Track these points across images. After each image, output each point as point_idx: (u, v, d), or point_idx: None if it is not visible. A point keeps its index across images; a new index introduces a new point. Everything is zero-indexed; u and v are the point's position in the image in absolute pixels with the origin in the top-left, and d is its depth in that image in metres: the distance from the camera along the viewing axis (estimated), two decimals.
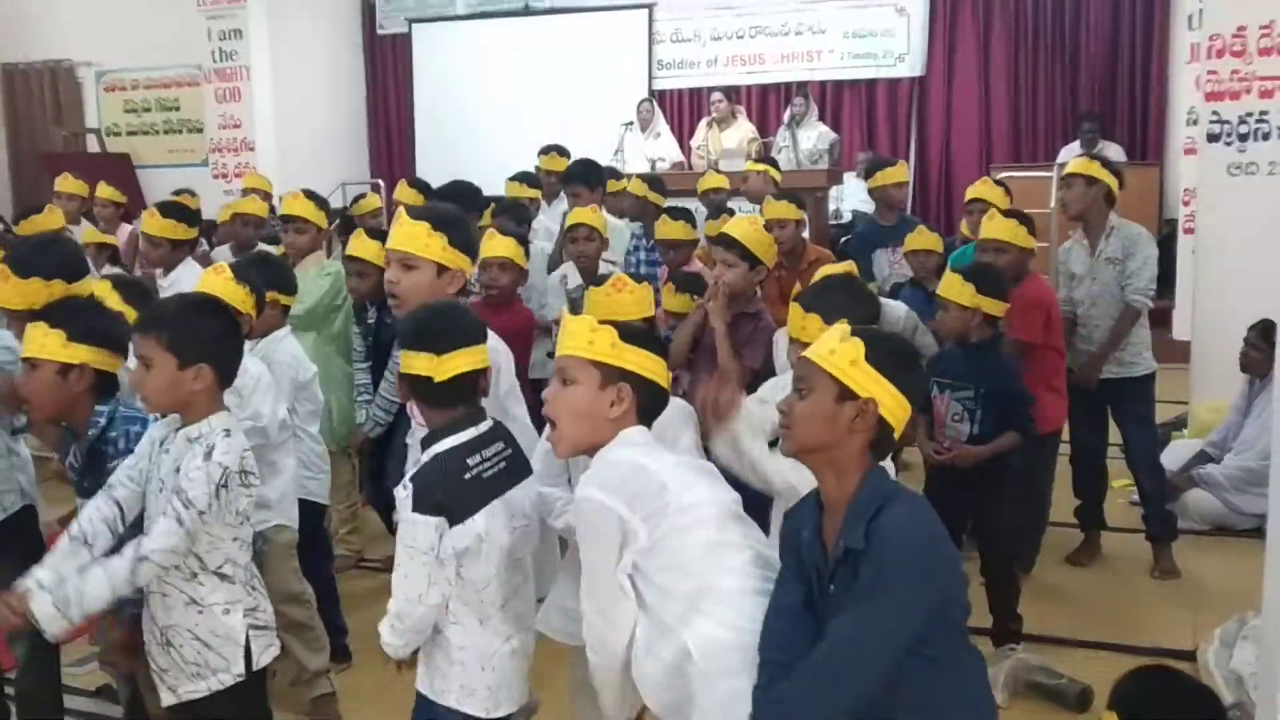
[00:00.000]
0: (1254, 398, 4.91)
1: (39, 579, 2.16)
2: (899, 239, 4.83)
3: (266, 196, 6.11)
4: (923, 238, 4.65)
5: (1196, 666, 3.47)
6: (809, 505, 1.90)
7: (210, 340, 2.27)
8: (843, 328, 1.84)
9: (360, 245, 3.81)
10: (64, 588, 2.13)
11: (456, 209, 2.93)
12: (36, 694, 2.98)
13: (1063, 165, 8.34)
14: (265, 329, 3.24)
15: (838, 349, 1.81)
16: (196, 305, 2.39)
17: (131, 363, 2.42)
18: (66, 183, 6.50)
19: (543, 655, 2.90)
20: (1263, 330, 4.73)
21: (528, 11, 11.36)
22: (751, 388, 3.26)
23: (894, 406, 1.80)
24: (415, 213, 2.65)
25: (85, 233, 6.12)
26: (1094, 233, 4.29)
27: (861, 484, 1.80)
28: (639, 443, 2.02)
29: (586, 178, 5.26)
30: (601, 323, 2.04)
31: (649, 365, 2.03)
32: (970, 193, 4.84)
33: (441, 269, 2.60)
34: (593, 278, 3.91)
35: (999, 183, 4.95)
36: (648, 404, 2.04)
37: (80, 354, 2.42)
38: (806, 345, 2.47)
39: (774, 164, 6.08)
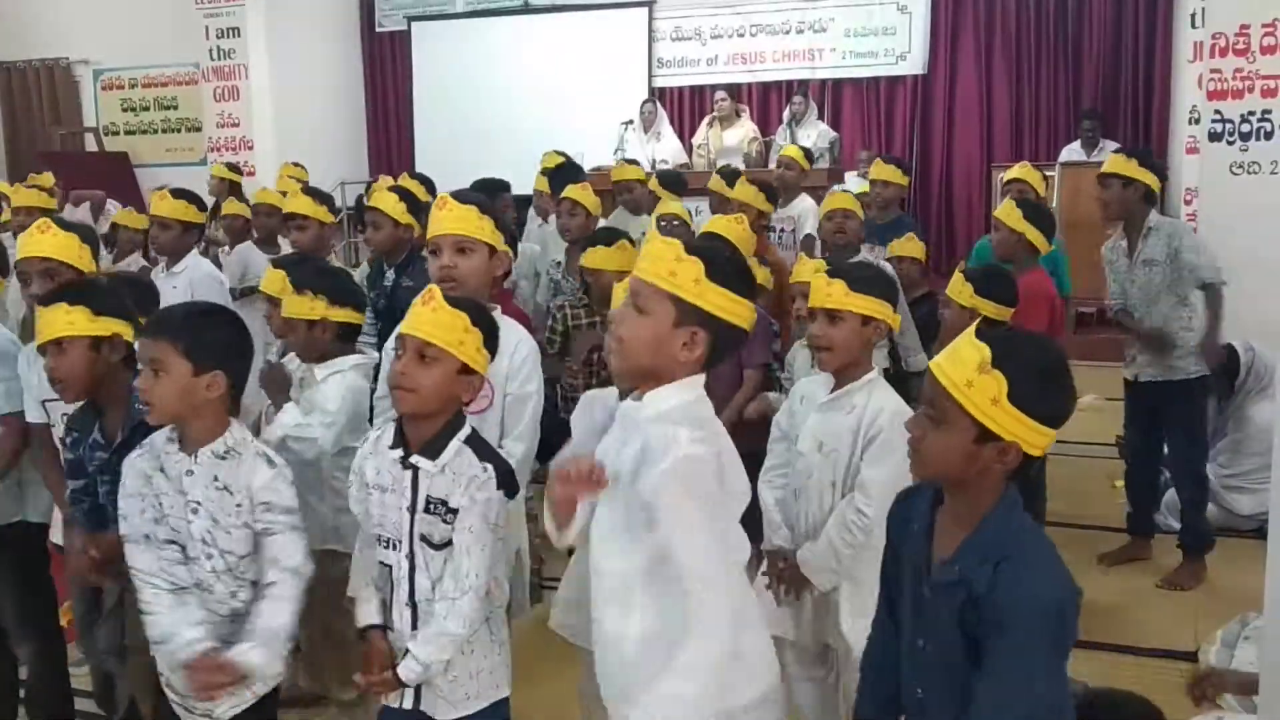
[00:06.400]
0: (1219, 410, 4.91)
1: (196, 638, 2.11)
2: (884, 237, 4.84)
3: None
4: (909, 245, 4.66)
5: (1198, 667, 3.46)
6: (924, 499, 1.76)
7: (225, 347, 2.22)
8: (982, 353, 1.60)
9: (379, 197, 3.88)
10: (249, 628, 2.14)
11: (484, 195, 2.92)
12: (47, 693, 3.01)
13: (1065, 164, 8.47)
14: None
15: (976, 381, 1.58)
16: (210, 310, 2.37)
17: None
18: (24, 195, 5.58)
19: (542, 652, 2.87)
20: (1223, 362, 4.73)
21: (527, 9, 11.35)
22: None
23: (1038, 441, 1.61)
24: (460, 197, 2.61)
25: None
26: (1132, 234, 4.18)
27: (994, 510, 1.64)
28: (701, 393, 1.86)
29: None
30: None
31: (732, 307, 1.82)
32: (1008, 174, 4.92)
33: (492, 251, 2.57)
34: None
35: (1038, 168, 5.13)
36: (723, 345, 1.85)
37: (110, 325, 2.41)
38: (827, 311, 2.48)
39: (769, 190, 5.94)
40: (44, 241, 2.75)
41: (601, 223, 4.81)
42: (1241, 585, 3.87)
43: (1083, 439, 5.33)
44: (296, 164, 7.45)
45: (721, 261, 1.84)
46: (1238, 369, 4.81)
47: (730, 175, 5.92)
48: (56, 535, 2.84)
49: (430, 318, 2.08)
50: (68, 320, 2.39)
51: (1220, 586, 4.14)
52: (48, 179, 6.25)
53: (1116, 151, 4.33)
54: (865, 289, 2.50)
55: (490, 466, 2.11)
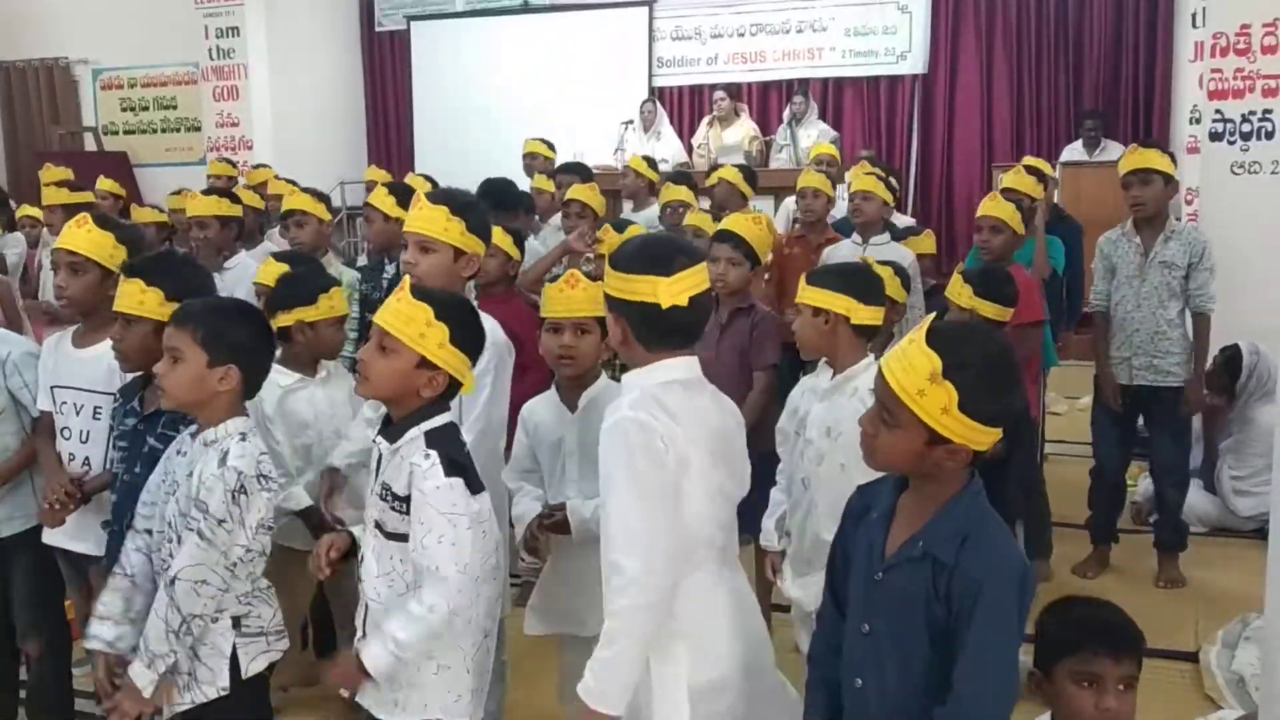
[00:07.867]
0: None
1: (105, 638, 2.24)
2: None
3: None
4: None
5: (1199, 668, 3.45)
6: (887, 487, 1.82)
7: (244, 344, 2.26)
8: (933, 362, 1.63)
9: (378, 197, 3.95)
10: (131, 640, 2.22)
11: (472, 194, 2.95)
12: (50, 692, 3.01)
13: (1065, 164, 8.45)
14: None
15: (928, 391, 1.63)
16: (235, 307, 2.41)
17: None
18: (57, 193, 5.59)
19: (541, 652, 2.85)
20: (1227, 361, 4.72)
21: (527, 9, 11.34)
22: (784, 383, 3.27)
23: (987, 441, 1.67)
24: (434, 197, 2.63)
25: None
26: (1152, 232, 4.10)
27: (960, 495, 1.72)
28: (675, 377, 1.98)
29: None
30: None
31: (626, 286, 1.98)
32: (1004, 182, 4.85)
33: (458, 253, 2.57)
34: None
35: (1032, 170, 5.02)
36: (643, 325, 1.98)
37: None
38: (813, 310, 2.61)
39: (749, 172, 5.70)
40: (79, 236, 2.73)
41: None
42: (1241, 585, 3.87)
43: (1083, 439, 5.32)
44: (261, 165, 7.42)
45: (620, 248, 2.04)
46: (1239, 371, 4.80)
47: (676, 176, 5.84)
48: (49, 537, 2.83)
49: (394, 308, 2.06)
50: (139, 300, 2.47)
51: (1220, 586, 4.13)
52: (66, 173, 6.14)
53: (1148, 145, 4.15)
54: (812, 283, 2.67)
55: (434, 453, 2.03)
